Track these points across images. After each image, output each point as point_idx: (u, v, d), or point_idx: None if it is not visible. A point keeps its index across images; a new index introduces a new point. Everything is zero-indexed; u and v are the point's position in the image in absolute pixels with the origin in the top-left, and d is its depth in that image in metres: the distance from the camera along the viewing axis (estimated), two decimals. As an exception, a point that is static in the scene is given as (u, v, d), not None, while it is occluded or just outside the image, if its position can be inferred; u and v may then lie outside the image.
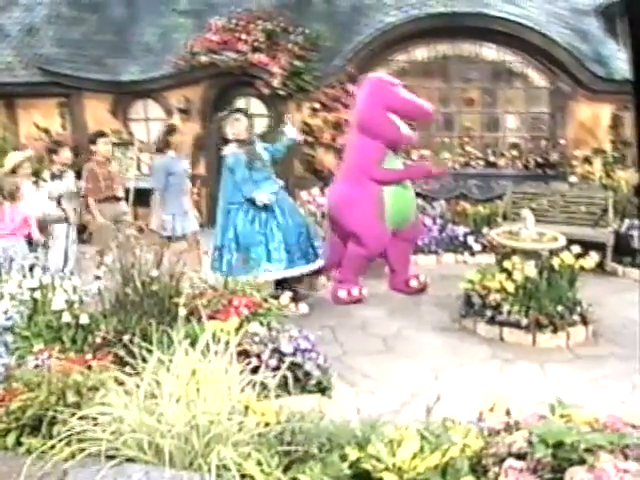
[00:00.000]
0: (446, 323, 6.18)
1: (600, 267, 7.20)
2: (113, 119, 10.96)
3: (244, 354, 3.79)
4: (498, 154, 10.08)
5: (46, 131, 10.84)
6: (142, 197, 8.93)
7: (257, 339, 4.14)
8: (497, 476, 2.42)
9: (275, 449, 2.68)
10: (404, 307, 6.67)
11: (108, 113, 10.98)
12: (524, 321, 5.57)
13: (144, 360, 3.03)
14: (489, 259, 7.49)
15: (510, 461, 2.41)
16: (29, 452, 2.68)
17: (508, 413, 2.94)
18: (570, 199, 8.59)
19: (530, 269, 5.71)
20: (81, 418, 2.70)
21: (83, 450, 2.57)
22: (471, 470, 2.51)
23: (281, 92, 10.04)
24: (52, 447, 2.62)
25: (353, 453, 2.59)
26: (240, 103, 10.44)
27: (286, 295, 5.16)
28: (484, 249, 8.31)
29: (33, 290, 4.68)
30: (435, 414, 3.01)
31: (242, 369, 3.06)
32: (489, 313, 5.78)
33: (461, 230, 8.67)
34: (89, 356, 3.85)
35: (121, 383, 2.95)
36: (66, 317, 4.37)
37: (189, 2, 11.57)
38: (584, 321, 5.73)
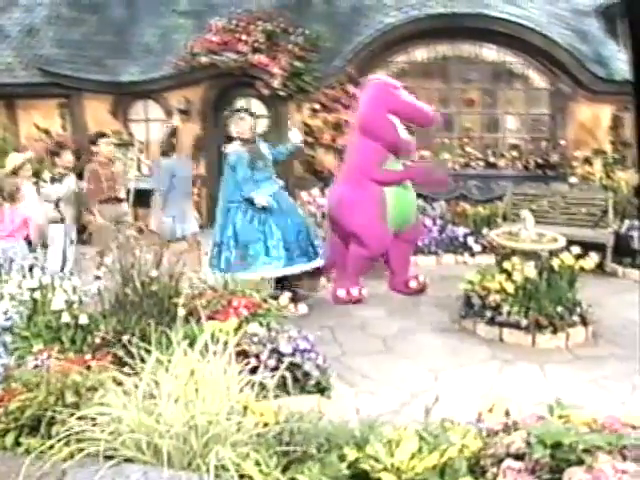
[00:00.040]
0: (446, 324, 6.18)
1: (600, 268, 7.20)
2: (113, 120, 10.97)
3: (243, 354, 3.79)
4: (498, 155, 10.09)
5: (46, 132, 10.85)
6: (142, 198, 8.95)
7: (256, 339, 4.14)
8: (495, 477, 2.42)
9: (274, 449, 2.68)
10: (404, 308, 6.67)
11: (108, 114, 10.99)
12: (524, 322, 5.57)
13: (143, 360, 3.03)
14: (489, 260, 7.48)
15: (508, 462, 2.41)
16: (28, 452, 2.68)
17: (507, 414, 2.94)
18: (570, 200, 8.59)
19: (530, 270, 5.71)
20: (80, 418, 2.70)
21: (82, 450, 2.57)
22: (469, 471, 2.51)
23: (281, 93, 10.05)
24: (51, 447, 2.62)
25: (352, 453, 2.59)
26: (240, 104, 10.44)
27: (285, 296, 5.16)
28: (484, 250, 8.30)
29: (33, 290, 4.68)
30: (434, 415, 3.01)
31: (241, 369, 3.06)
32: (489, 314, 5.78)
33: (461, 231, 8.67)
34: (88, 356, 3.85)
35: (120, 383, 2.95)
36: (65, 317, 4.36)
37: (189, 3, 11.59)
38: (584, 322, 5.72)
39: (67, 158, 7.29)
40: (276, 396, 3.11)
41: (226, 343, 3.09)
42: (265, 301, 4.89)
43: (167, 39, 11.13)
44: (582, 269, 5.87)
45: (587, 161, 9.39)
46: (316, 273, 6.91)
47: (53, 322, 4.42)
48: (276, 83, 9.93)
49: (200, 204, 9.87)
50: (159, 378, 2.86)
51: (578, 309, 5.72)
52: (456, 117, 10.35)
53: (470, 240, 8.53)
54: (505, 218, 8.71)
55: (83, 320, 4.36)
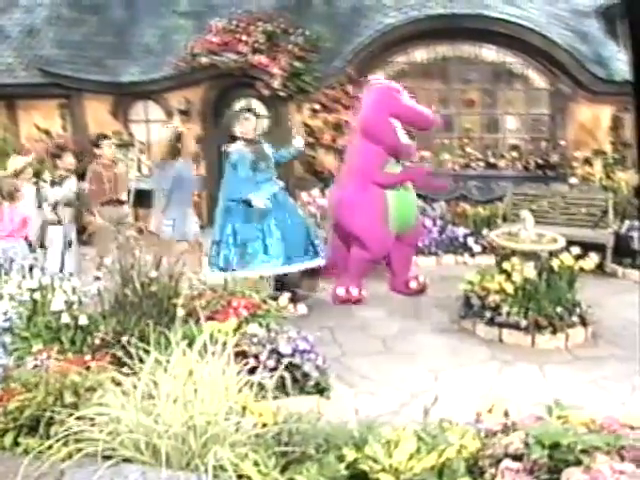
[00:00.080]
0: (445, 324, 6.18)
1: (600, 268, 7.20)
2: (113, 120, 10.97)
3: (243, 355, 3.79)
4: (498, 155, 10.08)
5: (47, 132, 10.86)
6: (142, 198, 8.97)
7: (256, 340, 4.14)
8: (494, 477, 2.43)
9: (272, 450, 2.68)
10: (403, 308, 6.67)
11: (108, 114, 10.99)
12: (523, 322, 5.58)
13: (141, 361, 3.03)
14: (489, 260, 7.50)
15: (507, 462, 2.41)
16: (26, 452, 2.69)
17: (506, 414, 2.94)
18: (570, 200, 8.59)
19: (529, 270, 5.71)
20: (78, 418, 2.71)
21: (80, 450, 2.58)
22: (468, 471, 2.51)
23: (281, 93, 10.05)
24: (49, 447, 2.63)
25: (350, 454, 2.59)
26: (240, 104, 10.46)
27: (285, 296, 5.17)
28: (484, 250, 8.30)
29: (32, 291, 4.69)
30: (434, 415, 3.01)
31: (240, 370, 3.06)
32: (488, 314, 5.78)
33: (461, 231, 8.66)
34: (88, 357, 3.85)
35: (119, 384, 2.95)
36: (65, 318, 4.37)
37: (189, 3, 11.59)
38: (583, 322, 5.72)
39: (68, 160, 7.29)
40: (275, 397, 3.11)
41: (225, 344, 3.09)
42: (264, 302, 4.90)
43: (167, 40, 11.14)
44: (582, 270, 5.87)
45: (587, 162, 9.37)
46: (315, 274, 6.92)
47: (53, 323, 4.43)
48: (276, 83, 9.93)
49: (200, 204, 9.87)
50: (158, 378, 2.86)
51: (578, 310, 5.72)
52: (456, 118, 10.34)
53: (470, 241, 8.52)
54: (505, 219, 8.70)
55: (83, 321, 4.37)
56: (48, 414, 2.86)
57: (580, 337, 5.68)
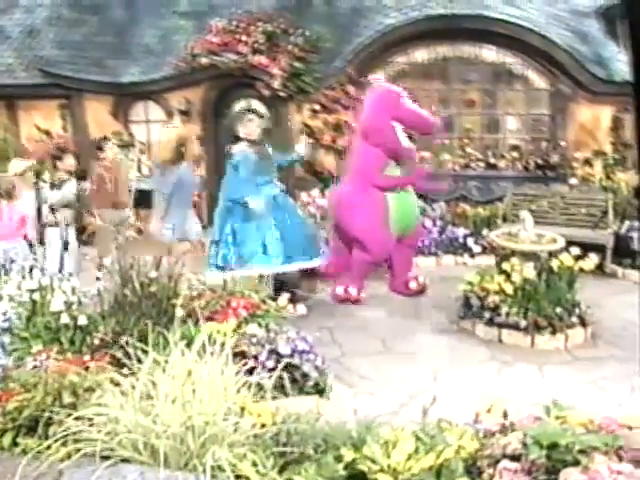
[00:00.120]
0: (445, 325, 6.18)
1: (600, 269, 7.21)
2: (114, 121, 10.99)
3: (242, 355, 3.79)
4: (498, 156, 10.09)
5: (47, 133, 10.87)
6: (142, 198, 8.96)
7: (255, 340, 4.14)
8: (492, 477, 2.43)
9: (271, 450, 2.68)
10: (403, 308, 6.68)
11: (109, 115, 11.01)
12: (523, 323, 5.57)
13: (140, 361, 3.03)
14: (489, 261, 7.50)
15: (505, 462, 2.42)
16: (25, 452, 2.69)
17: (505, 415, 2.94)
18: (570, 201, 8.59)
19: (529, 271, 5.71)
20: (77, 419, 2.71)
21: (79, 450, 2.57)
22: (466, 471, 2.51)
23: (281, 94, 10.05)
24: (48, 447, 2.63)
25: (348, 454, 2.59)
26: (241, 105, 10.44)
27: (284, 296, 5.17)
28: (484, 251, 8.31)
29: (32, 291, 4.69)
30: (433, 415, 3.01)
31: (238, 370, 3.06)
32: (488, 315, 5.78)
33: (461, 232, 8.67)
34: (87, 357, 3.85)
35: (117, 384, 2.95)
36: (64, 318, 4.37)
37: (189, 4, 11.61)
38: (583, 323, 5.72)
39: (69, 162, 7.29)
40: (274, 397, 3.11)
41: (223, 344, 3.09)
42: (264, 302, 4.90)
43: (167, 40, 11.15)
44: (581, 270, 5.87)
45: (587, 162, 9.38)
46: (315, 274, 6.93)
47: (52, 323, 4.43)
48: (276, 84, 9.94)
49: (200, 204, 9.87)
50: (156, 379, 2.86)
51: (577, 310, 5.72)
52: (456, 118, 10.34)
53: (470, 241, 8.52)
54: (505, 219, 8.71)
55: (82, 321, 4.37)
56: (47, 414, 2.86)
57: (579, 338, 5.68)
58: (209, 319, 4.39)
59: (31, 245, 6.68)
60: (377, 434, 2.76)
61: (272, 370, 3.55)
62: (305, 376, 4.08)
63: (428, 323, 6.23)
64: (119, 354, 3.47)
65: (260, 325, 4.46)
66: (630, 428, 2.60)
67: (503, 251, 6.26)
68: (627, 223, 8.10)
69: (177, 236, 7.44)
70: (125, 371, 3.18)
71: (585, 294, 5.90)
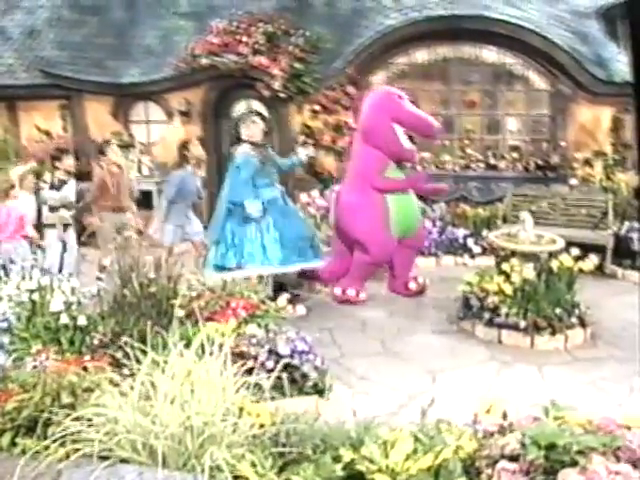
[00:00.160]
0: (444, 325, 6.18)
1: (600, 270, 7.22)
2: (114, 121, 10.99)
3: (241, 356, 3.79)
4: (498, 156, 10.08)
5: (47, 133, 10.87)
6: (143, 199, 8.97)
7: (254, 341, 4.15)
8: (490, 478, 2.43)
9: (269, 450, 2.69)
10: (403, 309, 6.68)
11: (109, 115, 11.00)
12: (522, 323, 5.58)
13: (139, 361, 3.03)
14: (489, 261, 7.50)
15: (503, 463, 2.42)
16: (24, 453, 2.68)
17: (505, 415, 2.94)
18: (570, 202, 8.59)
19: (528, 271, 5.71)
20: (76, 419, 2.71)
21: (77, 451, 2.58)
22: (464, 472, 2.51)
23: (281, 94, 10.05)
24: (46, 448, 2.63)
25: (347, 454, 2.59)
26: (241, 105, 10.48)
27: (283, 297, 5.18)
28: (484, 251, 8.31)
29: (32, 292, 4.69)
30: (432, 416, 3.01)
31: (237, 371, 3.06)
32: (487, 315, 5.78)
33: (461, 232, 8.67)
34: (87, 357, 3.86)
35: (116, 384, 2.95)
36: (64, 319, 4.38)
37: (190, 5, 11.60)
38: (582, 323, 5.73)
39: (68, 162, 7.31)
40: (273, 397, 3.11)
41: (221, 345, 3.09)
42: (263, 302, 4.91)
43: (168, 41, 11.15)
44: (581, 271, 5.88)
45: (587, 163, 9.37)
46: (315, 275, 6.93)
47: (52, 323, 4.44)
48: (276, 85, 9.93)
49: (201, 205, 9.86)
50: (155, 379, 2.86)
51: (577, 311, 5.72)
52: (456, 119, 10.34)
53: (470, 242, 8.53)
54: (505, 220, 8.71)
55: (82, 321, 4.38)
56: (46, 415, 2.86)
57: (579, 338, 5.68)
58: (209, 319, 4.40)
59: (34, 245, 6.69)
60: (375, 434, 2.76)
61: (271, 371, 3.55)
62: (304, 376, 4.09)
63: (428, 324, 6.23)
64: (118, 354, 3.48)
65: (259, 325, 4.47)
66: (628, 428, 2.60)
67: (503, 252, 6.27)
68: (627, 224, 8.10)
69: (178, 238, 7.46)
70: (124, 371, 3.19)
71: (585, 295, 5.90)
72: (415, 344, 5.71)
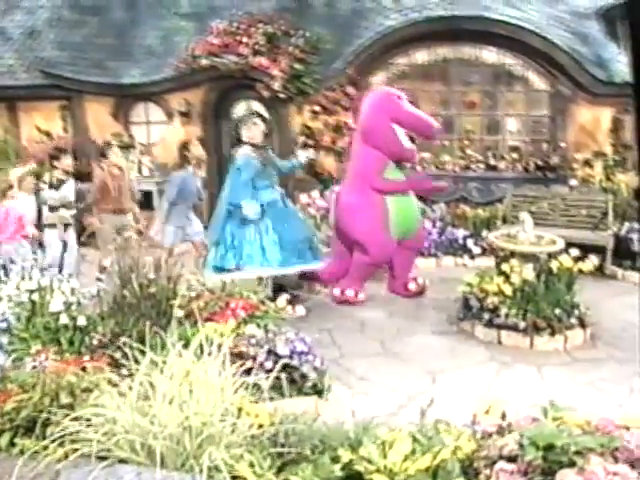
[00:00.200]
0: (444, 326, 6.18)
1: (600, 270, 7.22)
2: (114, 122, 10.99)
3: (240, 356, 3.80)
4: (498, 157, 10.07)
5: (47, 134, 10.88)
6: (143, 200, 8.98)
7: (254, 341, 4.15)
8: (488, 478, 2.43)
9: (268, 451, 2.69)
10: (403, 310, 6.67)
11: (109, 116, 11.01)
12: (522, 324, 5.57)
13: (137, 362, 3.04)
14: (489, 262, 7.48)
15: (501, 464, 2.41)
16: (22, 453, 2.69)
17: (504, 416, 2.94)
18: (570, 202, 8.59)
19: (528, 272, 5.71)
20: (74, 419, 2.71)
21: (76, 451, 2.58)
22: (463, 472, 2.51)
23: (281, 95, 10.05)
24: (45, 448, 2.63)
25: (345, 455, 2.59)
26: (241, 106, 10.48)
27: (283, 297, 5.18)
28: (484, 252, 8.30)
29: (31, 292, 4.70)
30: (432, 417, 3.01)
31: (236, 371, 3.07)
32: (487, 316, 5.78)
33: (461, 233, 8.67)
34: (86, 358, 3.86)
35: (115, 385, 2.95)
36: (64, 319, 4.39)
37: (190, 5, 11.61)
38: (582, 324, 5.72)
39: (66, 162, 7.31)
40: (271, 398, 3.11)
41: (220, 345, 3.09)
42: (263, 303, 4.91)
43: (168, 41, 11.15)
44: (581, 271, 5.88)
45: (587, 163, 9.37)
46: (314, 276, 6.94)
47: (51, 324, 4.44)
48: (276, 85, 9.94)
49: (201, 206, 9.87)
50: (154, 379, 2.86)
51: (576, 311, 5.72)
52: (456, 119, 10.34)
53: (470, 242, 8.53)
54: (505, 220, 8.70)
55: (81, 322, 4.38)
56: (44, 415, 2.87)
57: (579, 339, 5.68)
58: (208, 320, 4.41)
59: (35, 243, 6.71)
60: (374, 435, 2.76)
61: (270, 371, 3.55)
62: (304, 377, 4.09)
63: (427, 324, 6.23)
64: (117, 355, 3.48)
65: (259, 326, 4.47)
66: (627, 429, 2.60)
67: (502, 252, 6.26)
68: (627, 224, 8.10)
69: (179, 239, 7.46)
70: (123, 372, 3.19)
71: (585, 295, 5.90)
72: (415, 345, 5.71)
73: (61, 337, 4.34)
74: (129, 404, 2.76)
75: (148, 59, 11.05)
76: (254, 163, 6.47)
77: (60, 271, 6.64)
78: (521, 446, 2.43)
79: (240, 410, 2.91)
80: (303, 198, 8.75)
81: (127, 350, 3.21)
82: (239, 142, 6.65)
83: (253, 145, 6.56)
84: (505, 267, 5.82)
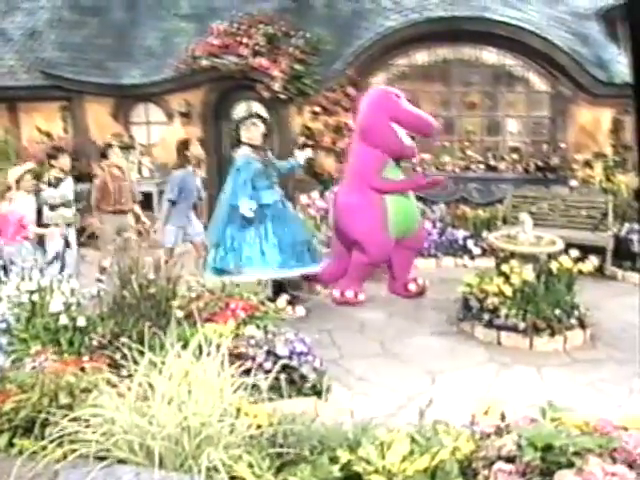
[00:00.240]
0: (444, 326, 6.18)
1: (600, 271, 7.21)
2: (114, 122, 11.00)
3: (240, 357, 3.80)
4: (498, 158, 10.07)
5: (48, 134, 10.89)
6: (142, 200, 8.97)
7: (253, 342, 4.15)
8: (487, 479, 2.43)
9: (266, 451, 2.69)
10: (403, 310, 6.67)
11: (109, 116, 11.01)
12: (521, 325, 5.58)
13: (136, 362, 3.04)
14: (489, 263, 7.48)
15: (499, 464, 2.41)
16: (21, 453, 2.69)
17: (503, 417, 2.94)
18: (570, 203, 8.59)
19: (528, 273, 5.71)
20: (73, 420, 2.71)
21: (75, 451, 2.58)
22: (461, 473, 2.51)
23: (282, 96, 10.06)
24: (44, 448, 2.63)
25: (344, 455, 2.59)
26: (241, 107, 10.49)
27: (283, 298, 5.18)
28: (484, 253, 8.30)
29: (31, 293, 4.70)
30: (431, 417, 3.01)
31: (235, 372, 3.07)
32: (487, 317, 5.79)
33: (461, 234, 8.66)
34: (86, 358, 3.86)
35: (114, 385, 2.95)
36: (63, 320, 4.38)
37: (190, 6, 11.61)
38: (582, 325, 5.73)
39: (63, 161, 7.32)
40: (270, 399, 3.11)
41: (218, 346, 3.09)
42: (262, 304, 4.91)
43: (169, 42, 11.16)
44: (580, 272, 5.88)
45: (587, 164, 9.37)
46: (313, 277, 6.94)
47: (51, 324, 4.44)
48: (277, 86, 9.94)
49: (201, 206, 9.87)
50: (152, 380, 2.86)
51: (576, 312, 5.73)
52: (457, 120, 10.34)
53: (470, 243, 8.52)
54: (505, 221, 8.70)
55: (81, 322, 4.38)
56: (43, 415, 2.87)
57: (578, 339, 5.68)
58: (208, 320, 4.41)
59: (36, 238, 6.72)
60: (373, 435, 2.76)
61: (270, 372, 3.55)
62: (303, 377, 4.09)
63: (427, 325, 6.23)
64: (117, 355, 3.48)
65: (258, 327, 4.46)
66: (626, 429, 2.60)
67: (502, 253, 6.26)
68: (627, 225, 8.09)
69: (179, 239, 7.45)
70: (122, 372, 3.19)
71: (585, 296, 5.91)
72: (414, 345, 5.71)
73: (61, 338, 4.33)
74: (128, 404, 2.76)
75: (148, 60, 11.06)
76: (253, 163, 6.47)
77: (62, 268, 6.66)
78: (519, 447, 2.43)
79: (239, 411, 2.91)
80: (303, 199, 8.75)
81: (126, 351, 3.21)
82: (239, 143, 6.65)
83: (252, 146, 6.57)
84: (505, 268, 5.83)
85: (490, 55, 9.89)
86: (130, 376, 2.99)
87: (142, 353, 3.11)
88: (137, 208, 7.77)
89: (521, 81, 10.01)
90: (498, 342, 5.70)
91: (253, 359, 3.89)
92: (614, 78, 9.27)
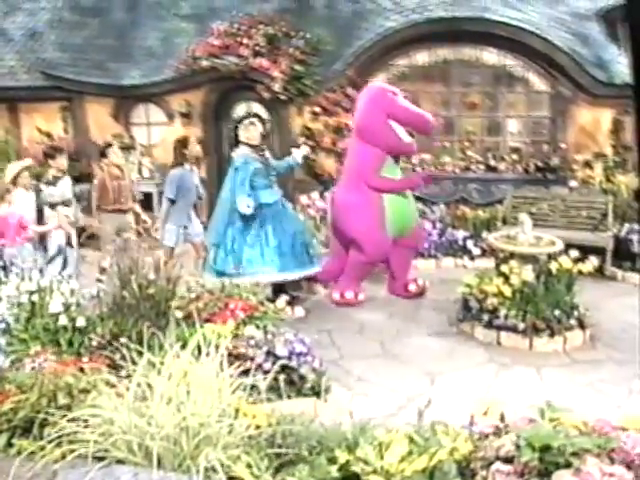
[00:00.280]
0: (444, 327, 6.18)
1: (600, 271, 7.21)
2: (115, 123, 11.01)
3: (239, 357, 3.80)
4: (498, 158, 10.06)
5: (48, 135, 10.90)
6: (142, 200, 8.98)
7: (253, 342, 4.15)
8: (485, 479, 2.43)
9: (265, 452, 2.69)
10: (402, 311, 6.67)
11: (110, 117, 11.03)
12: (521, 325, 5.58)
13: (135, 363, 3.04)
14: (489, 263, 7.47)
15: (498, 464, 2.42)
16: (20, 453, 2.69)
17: (502, 417, 2.94)
18: (570, 203, 8.58)
19: (527, 273, 5.71)
20: (72, 420, 2.71)
21: (73, 451, 2.58)
22: (459, 473, 2.51)
23: (282, 96, 10.06)
24: (42, 448, 2.63)
25: (342, 456, 2.59)
26: (241, 107, 10.49)
27: (282, 299, 5.18)
28: (484, 253, 8.29)
29: (31, 293, 4.70)
30: (430, 418, 3.01)
31: (234, 372, 3.07)
32: (486, 317, 5.79)
33: (460, 234, 8.66)
34: (85, 359, 3.86)
35: (113, 385, 2.96)
36: (63, 320, 4.39)
37: (191, 7, 11.62)
38: (581, 325, 5.73)
39: (61, 161, 7.32)
40: (269, 399, 3.11)
41: (217, 346, 3.09)
42: (262, 304, 4.91)
43: (169, 43, 11.16)
44: (580, 273, 5.88)
45: (587, 164, 9.36)
46: (313, 278, 6.94)
47: (51, 325, 4.44)
48: (277, 87, 9.94)
49: (201, 205, 9.87)
50: (151, 380, 2.87)
51: (576, 313, 5.73)
52: (457, 120, 10.34)
53: (470, 243, 8.52)
54: (505, 221, 8.69)
55: (80, 323, 4.39)
56: (42, 415, 2.87)
57: (578, 340, 5.68)
58: (207, 321, 4.41)
59: (39, 240, 6.73)
60: (371, 436, 2.76)
61: (269, 372, 3.56)
62: (302, 378, 4.09)
63: (427, 325, 6.23)
64: (116, 356, 3.48)
65: (258, 327, 4.47)
66: (624, 430, 2.60)
67: (502, 254, 6.26)
68: (627, 226, 8.09)
69: (180, 239, 7.44)
70: (121, 373, 3.19)
71: (584, 297, 5.90)
72: (414, 346, 5.71)
73: (60, 338, 4.34)
74: (126, 405, 2.77)
75: (148, 60, 11.07)
76: (251, 163, 6.47)
77: (65, 264, 6.66)
78: (517, 447, 2.43)
79: (237, 411, 2.91)
80: (303, 199, 8.75)
81: (125, 351, 3.22)
82: (237, 143, 6.66)
83: (251, 146, 6.57)
84: (505, 268, 5.83)
85: (490, 55, 9.89)
86: (129, 376, 2.99)
87: (141, 353, 3.12)
88: (137, 207, 7.77)
89: (521, 81, 10.00)
90: (498, 343, 5.70)
91: (252, 359, 3.89)
92: (614, 78, 9.26)
